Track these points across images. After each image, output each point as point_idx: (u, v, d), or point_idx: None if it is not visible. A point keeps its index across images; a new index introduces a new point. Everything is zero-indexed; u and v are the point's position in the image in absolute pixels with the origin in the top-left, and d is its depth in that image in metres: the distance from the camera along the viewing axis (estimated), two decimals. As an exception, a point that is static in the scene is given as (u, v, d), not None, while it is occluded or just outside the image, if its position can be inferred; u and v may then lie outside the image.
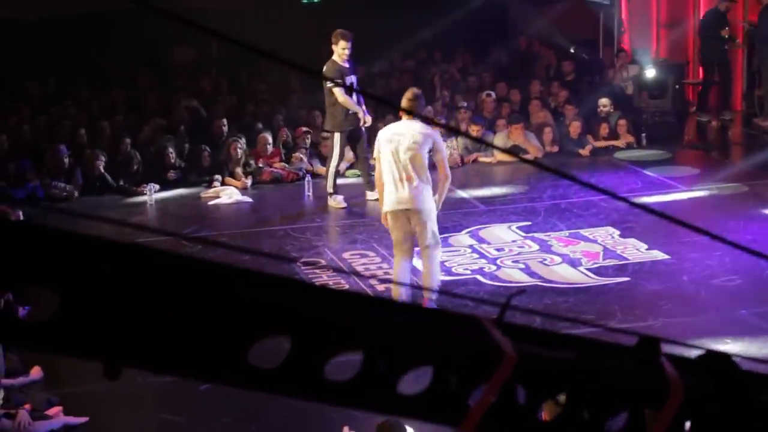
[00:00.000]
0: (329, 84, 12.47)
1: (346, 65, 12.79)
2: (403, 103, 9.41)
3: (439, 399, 1.34)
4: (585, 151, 15.24)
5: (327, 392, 1.38)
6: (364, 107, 13.03)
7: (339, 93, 12.68)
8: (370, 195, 12.89)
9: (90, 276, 1.30)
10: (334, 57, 12.79)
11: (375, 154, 9.40)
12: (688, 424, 1.43)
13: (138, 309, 1.30)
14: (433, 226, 9.22)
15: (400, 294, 9.21)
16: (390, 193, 9.10)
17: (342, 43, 12.71)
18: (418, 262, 9.64)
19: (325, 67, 12.65)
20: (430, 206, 9.17)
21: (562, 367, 1.36)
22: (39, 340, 1.32)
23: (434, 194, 9.23)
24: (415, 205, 9.04)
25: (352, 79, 12.84)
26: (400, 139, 9.08)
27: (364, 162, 13.26)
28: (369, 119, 13.11)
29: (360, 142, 13.15)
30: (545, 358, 1.35)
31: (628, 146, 15.53)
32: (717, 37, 16.19)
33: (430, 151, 9.16)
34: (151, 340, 1.32)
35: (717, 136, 16.32)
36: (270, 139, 14.71)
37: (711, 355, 1.43)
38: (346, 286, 9.79)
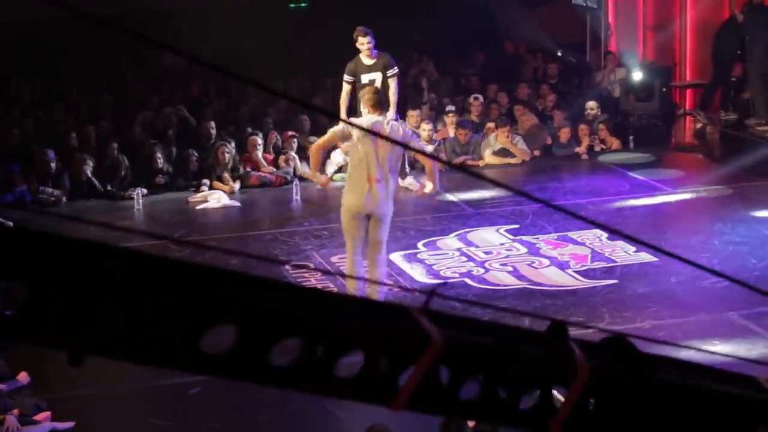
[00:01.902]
0: (389, 73, 12.63)
1: (369, 62, 12.67)
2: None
3: (371, 381, 1.48)
4: (581, 149, 15.28)
5: (270, 376, 1.47)
6: (395, 105, 12.84)
7: (344, 89, 12.73)
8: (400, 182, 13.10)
9: (54, 270, 1.38)
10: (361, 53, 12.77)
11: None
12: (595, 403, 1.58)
13: (99, 301, 1.39)
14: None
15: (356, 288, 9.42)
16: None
17: (360, 39, 12.65)
18: (406, 265, 9.64)
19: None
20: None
21: (481, 350, 1.50)
22: (7, 331, 1.41)
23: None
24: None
25: (372, 76, 12.66)
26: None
27: None
28: (392, 114, 13.14)
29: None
30: (467, 342, 1.49)
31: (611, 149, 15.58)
32: (730, 41, 16.12)
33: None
34: (111, 329, 1.41)
35: (704, 138, 16.35)
36: (260, 141, 14.70)
37: (613, 339, 1.56)
38: (335, 289, 9.79)
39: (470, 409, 1.53)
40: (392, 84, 12.67)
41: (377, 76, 12.67)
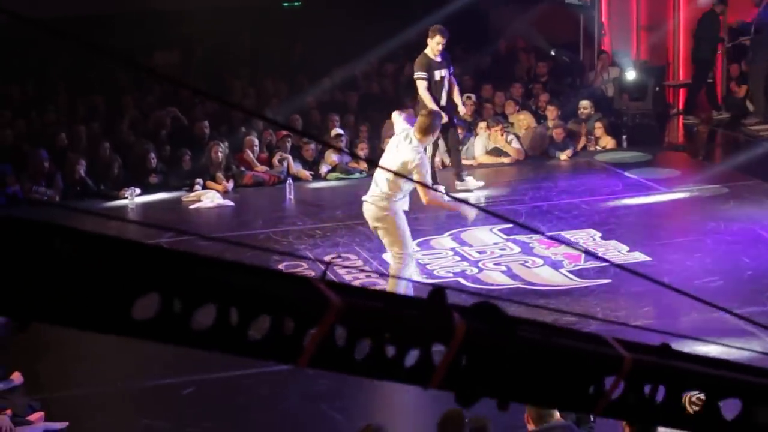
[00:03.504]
0: (415, 75, 13.07)
1: (438, 59, 13.11)
2: None
3: (279, 342, 1.68)
4: (565, 156, 15.25)
5: (191, 339, 1.65)
6: (460, 98, 13.59)
7: (420, 86, 13.03)
8: (460, 185, 13.63)
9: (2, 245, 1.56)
10: (427, 50, 13.14)
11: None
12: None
13: (43, 273, 1.56)
14: None
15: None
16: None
17: (437, 38, 13.07)
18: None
19: (416, 60, 13.20)
20: None
21: (372, 312, 1.72)
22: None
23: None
24: None
25: (443, 73, 13.15)
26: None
27: (455, 152, 13.78)
28: (463, 109, 13.75)
29: (450, 132, 13.41)
30: (360, 306, 1.71)
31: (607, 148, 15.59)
32: (710, 39, 16.17)
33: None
34: (54, 299, 1.57)
35: (698, 137, 16.36)
36: (256, 141, 14.70)
37: (482, 303, 1.79)
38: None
39: (362, 366, 1.73)
40: (454, 81, 13.42)
41: (446, 73, 13.23)
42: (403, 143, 9.09)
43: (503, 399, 1.81)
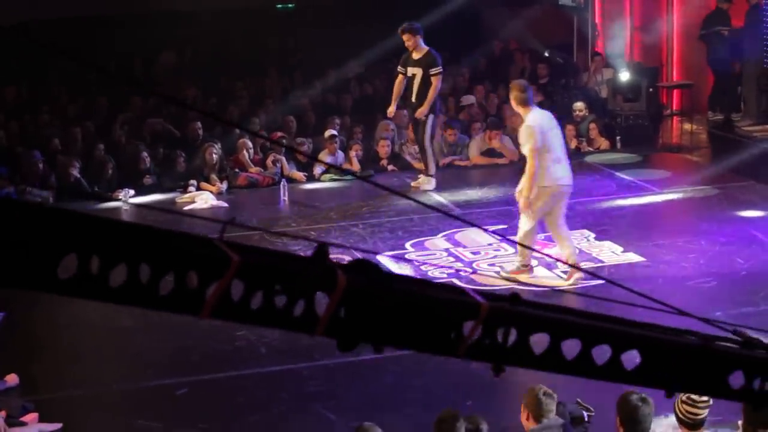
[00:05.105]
0: (431, 71, 13.41)
1: (415, 57, 13.52)
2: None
3: (184, 295, 1.83)
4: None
5: (107, 294, 1.81)
6: (434, 101, 13.79)
7: (436, 80, 13.49)
8: (414, 182, 13.97)
9: None
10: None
11: (533, 144, 9.90)
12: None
13: None
14: None
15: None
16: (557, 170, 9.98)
17: (403, 37, 13.51)
18: (394, 265, 9.61)
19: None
20: None
21: (266, 267, 1.90)
22: None
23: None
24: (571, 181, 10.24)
25: (415, 71, 13.56)
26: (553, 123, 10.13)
27: (422, 150, 13.96)
28: (422, 111, 13.66)
29: (419, 129, 13.78)
30: (256, 262, 1.89)
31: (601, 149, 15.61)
32: (718, 37, 16.12)
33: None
34: None
35: (692, 138, 16.38)
36: (250, 144, 14.70)
37: (360, 260, 1.99)
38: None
39: (257, 316, 1.90)
40: (434, 81, 13.48)
41: (419, 72, 13.46)
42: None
43: (378, 344, 2.00)
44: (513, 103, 10.24)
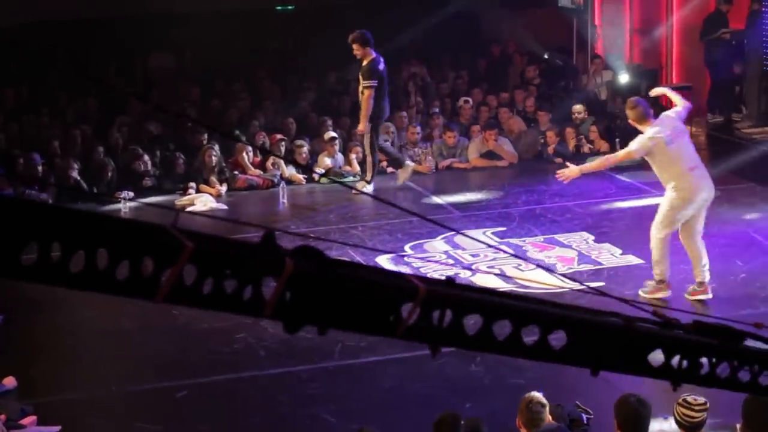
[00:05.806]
0: (363, 84, 13.32)
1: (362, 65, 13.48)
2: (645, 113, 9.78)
3: (139, 281, 1.91)
4: (560, 160, 15.24)
5: (69, 281, 1.88)
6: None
7: (368, 93, 13.35)
8: (360, 184, 13.75)
9: None
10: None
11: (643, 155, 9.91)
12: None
13: None
14: None
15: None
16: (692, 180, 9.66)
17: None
18: (393, 268, 9.60)
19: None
20: None
21: (217, 253, 2.03)
22: None
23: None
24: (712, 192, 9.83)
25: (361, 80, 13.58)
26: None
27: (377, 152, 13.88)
28: (362, 125, 13.63)
29: (379, 132, 13.88)
30: (209, 248, 2.01)
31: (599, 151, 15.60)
32: (717, 38, 16.11)
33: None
34: None
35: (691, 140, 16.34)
36: (249, 149, 14.68)
37: (305, 246, 2.09)
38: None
39: (208, 300, 1.98)
40: (366, 93, 13.28)
41: (361, 83, 13.39)
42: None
43: (323, 326, 2.09)
44: (633, 123, 9.91)
